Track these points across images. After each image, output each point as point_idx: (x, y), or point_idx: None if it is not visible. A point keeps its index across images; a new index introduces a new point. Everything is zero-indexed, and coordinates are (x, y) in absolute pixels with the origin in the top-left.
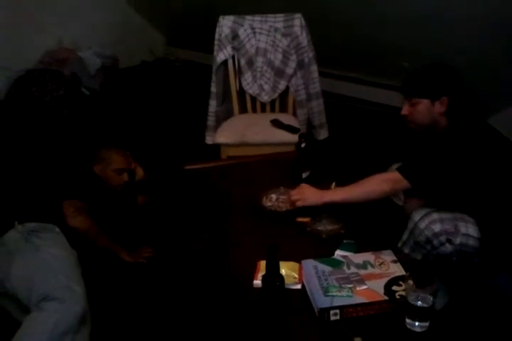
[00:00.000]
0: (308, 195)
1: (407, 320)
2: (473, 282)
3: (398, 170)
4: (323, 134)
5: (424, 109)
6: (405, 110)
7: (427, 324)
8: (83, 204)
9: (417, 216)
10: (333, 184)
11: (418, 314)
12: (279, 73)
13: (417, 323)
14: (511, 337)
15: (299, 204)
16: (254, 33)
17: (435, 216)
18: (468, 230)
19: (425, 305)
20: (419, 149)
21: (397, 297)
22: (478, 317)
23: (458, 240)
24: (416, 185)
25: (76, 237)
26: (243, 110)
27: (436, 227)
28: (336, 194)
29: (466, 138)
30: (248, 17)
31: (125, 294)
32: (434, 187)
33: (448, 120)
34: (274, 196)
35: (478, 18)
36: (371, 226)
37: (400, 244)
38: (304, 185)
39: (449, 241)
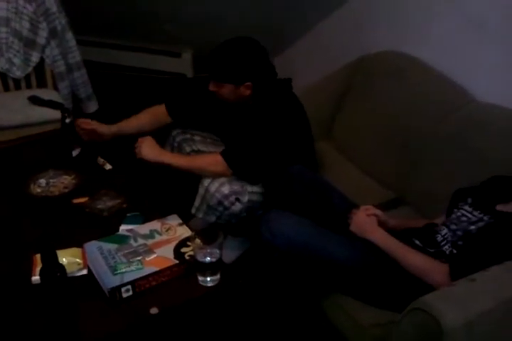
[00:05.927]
0: (145, 148)
1: (200, 278)
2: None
3: (222, 154)
4: (92, 107)
5: (229, 92)
6: (212, 87)
7: (218, 277)
8: None
9: (206, 181)
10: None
11: (208, 269)
12: (29, 44)
13: (208, 278)
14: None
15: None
16: None
17: (223, 178)
18: (253, 188)
19: (213, 260)
20: (233, 125)
21: (187, 258)
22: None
23: (246, 198)
24: (237, 171)
25: None
26: None
27: (226, 189)
28: (174, 158)
29: (270, 112)
30: None
31: None
32: (254, 169)
33: (253, 100)
34: (43, 181)
35: None
36: (155, 194)
37: (193, 210)
38: (147, 138)
39: (238, 200)
